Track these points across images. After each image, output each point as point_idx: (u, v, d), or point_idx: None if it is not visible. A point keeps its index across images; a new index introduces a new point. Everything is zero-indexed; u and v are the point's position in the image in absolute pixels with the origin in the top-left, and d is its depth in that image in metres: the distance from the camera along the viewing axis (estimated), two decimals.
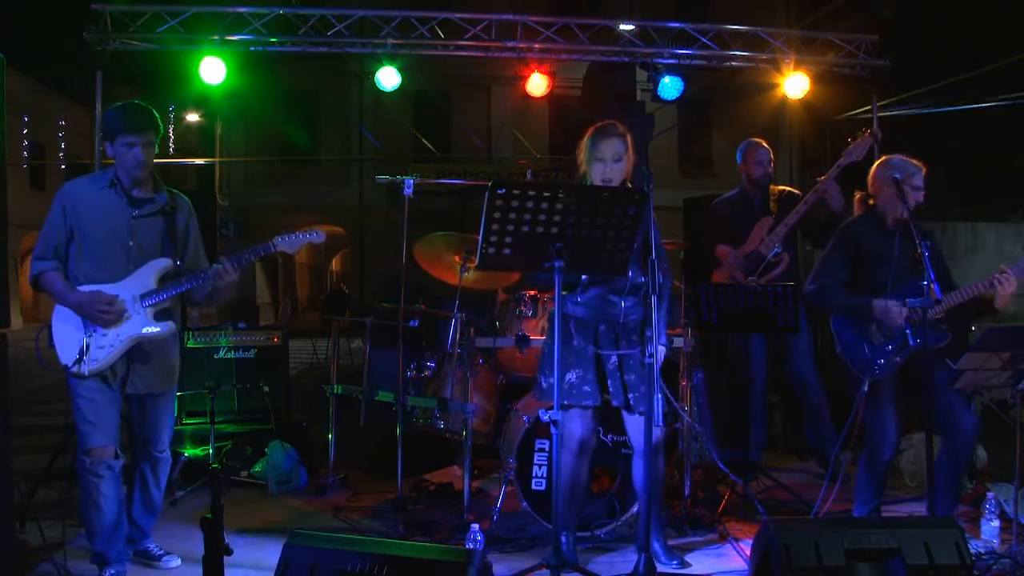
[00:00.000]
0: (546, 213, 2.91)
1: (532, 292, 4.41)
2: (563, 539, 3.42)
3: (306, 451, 5.00)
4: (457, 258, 4.43)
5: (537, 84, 6.67)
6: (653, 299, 3.10)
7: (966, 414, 3.60)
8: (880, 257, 3.69)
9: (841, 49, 6.56)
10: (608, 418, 3.71)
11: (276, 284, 26.61)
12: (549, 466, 3.89)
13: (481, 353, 4.40)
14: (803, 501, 4.38)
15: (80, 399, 3.25)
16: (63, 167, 22.72)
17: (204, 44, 6.04)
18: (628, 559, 3.56)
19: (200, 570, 2.73)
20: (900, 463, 4.77)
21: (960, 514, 3.95)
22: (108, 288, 3.28)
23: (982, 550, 3.54)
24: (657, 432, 3.26)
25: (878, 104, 6.72)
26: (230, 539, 2.76)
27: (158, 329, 3.34)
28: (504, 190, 2.86)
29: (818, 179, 4.92)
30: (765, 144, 5.23)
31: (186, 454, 4.81)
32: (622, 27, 6.66)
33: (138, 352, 3.34)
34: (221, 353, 5.27)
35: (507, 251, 2.97)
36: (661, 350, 3.37)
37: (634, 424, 3.44)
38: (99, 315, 3.22)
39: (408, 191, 4.37)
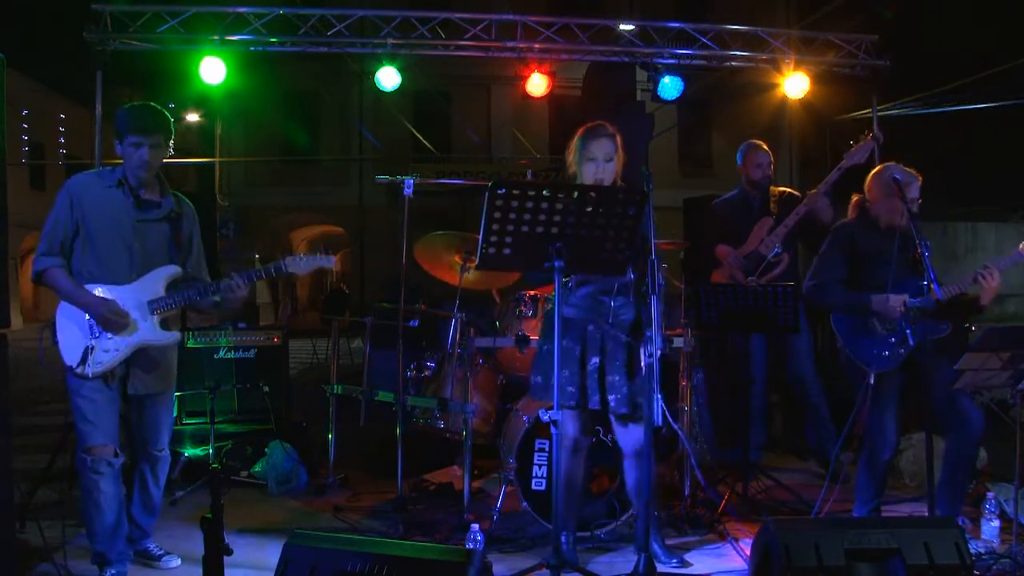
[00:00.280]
0: (546, 213, 2.91)
1: (532, 292, 4.41)
2: (563, 539, 3.43)
3: (306, 451, 5.00)
4: (457, 258, 4.43)
5: (537, 84, 6.67)
6: (653, 299, 3.10)
7: (973, 411, 3.60)
8: (875, 256, 3.70)
9: (841, 49, 6.56)
10: (608, 418, 3.71)
11: (276, 284, 26.58)
12: (549, 466, 3.89)
13: (481, 353, 4.41)
14: (803, 501, 4.38)
15: (80, 399, 3.25)
16: (63, 166, 22.71)
17: (204, 44, 6.04)
18: (628, 559, 3.56)
19: (200, 570, 2.73)
20: (900, 463, 4.77)
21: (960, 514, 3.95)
22: (116, 290, 3.29)
23: (982, 550, 3.54)
24: (640, 432, 3.26)
25: (878, 105, 6.73)
26: (230, 539, 2.77)
27: (165, 339, 3.37)
28: (504, 190, 2.86)
29: (809, 191, 4.94)
30: (765, 147, 5.23)
31: (186, 454, 4.81)
32: (622, 27, 6.66)
33: (140, 356, 3.34)
34: (221, 353, 5.27)
35: (507, 251, 2.97)
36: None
37: (620, 427, 3.44)
38: (108, 322, 3.23)
39: (408, 191, 4.36)
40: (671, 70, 6.47)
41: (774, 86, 6.95)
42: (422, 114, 19.90)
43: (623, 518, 3.90)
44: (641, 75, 7.60)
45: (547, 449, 3.91)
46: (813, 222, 4.91)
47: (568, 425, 3.42)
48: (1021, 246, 3.52)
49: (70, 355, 3.23)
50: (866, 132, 4.85)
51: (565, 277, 3.29)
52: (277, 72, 14.57)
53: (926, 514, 3.49)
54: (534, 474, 3.95)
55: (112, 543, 3.30)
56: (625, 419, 3.38)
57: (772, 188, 5.20)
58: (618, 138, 3.43)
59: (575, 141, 3.46)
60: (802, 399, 5.14)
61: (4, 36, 18.13)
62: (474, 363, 4.25)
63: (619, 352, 3.36)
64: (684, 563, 3.58)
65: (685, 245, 5.15)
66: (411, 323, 4.42)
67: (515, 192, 2.87)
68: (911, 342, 3.54)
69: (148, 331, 3.32)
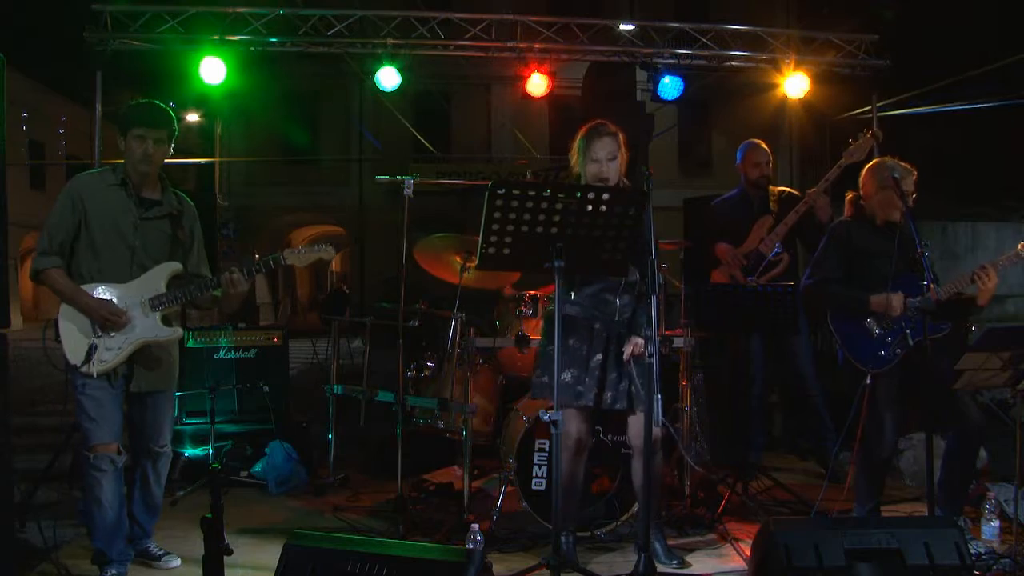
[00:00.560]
0: (546, 213, 2.91)
1: (532, 292, 4.41)
2: (563, 539, 3.43)
3: (306, 451, 5.00)
4: (457, 258, 4.43)
5: (537, 84, 6.67)
6: (653, 299, 3.10)
7: (973, 410, 3.60)
8: (870, 253, 3.70)
9: (841, 49, 6.56)
10: (608, 418, 3.72)
11: (276, 284, 26.60)
12: (549, 466, 3.89)
13: (481, 353, 4.40)
14: (803, 501, 4.38)
15: (84, 397, 3.26)
16: (63, 166, 22.71)
17: (204, 44, 6.04)
18: (628, 559, 3.56)
19: (200, 570, 2.73)
20: (900, 463, 4.77)
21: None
22: (117, 288, 3.29)
23: (982, 550, 3.54)
24: (655, 431, 3.26)
25: (878, 104, 6.73)
26: (230, 539, 2.77)
27: (167, 335, 3.38)
28: (504, 190, 2.87)
29: (809, 191, 4.93)
30: (764, 146, 5.23)
31: (186, 454, 4.81)
32: (622, 27, 6.66)
33: (143, 353, 3.35)
34: (221, 353, 5.27)
35: (507, 251, 2.97)
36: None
37: (635, 423, 3.44)
38: (107, 323, 3.23)
39: (408, 191, 4.36)
40: (671, 70, 6.47)
41: (774, 86, 6.94)
42: (422, 114, 19.85)
43: (623, 518, 3.90)
44: (641, 75, 7.58)
45: (547, 449, 3.91)
46: (810, 221, 4.91)
47: (570, 426, 3.42)
48: (1020, 246, 3.52)
49: (74, 354, 3.24)
50: (865, 130, 4.85)
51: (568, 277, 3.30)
52: (277, 72, 14.54)
53: (926, 514, 3.49)
54: (534, 474, 3.94)
55: (113, 541, 3.31)
56: (631, 414, 3.39)
57: (772, 187, 5.20)
58: (621, 136, 3.44)
59: (578, 141, 3.46)
60: (802, 399, 5.14)
61: (4, 36, 18.13)
62: (474, 363, 4.25)
63: (623, 348, 3.38)
64: (684, 563, 3.58)
65: (685, 245, 5.15)
66: (411, 323, 4.41)
67: (515, 192, 2.87)
68: (910, 341, 3.54)
69: (150, 328, 3.32)
